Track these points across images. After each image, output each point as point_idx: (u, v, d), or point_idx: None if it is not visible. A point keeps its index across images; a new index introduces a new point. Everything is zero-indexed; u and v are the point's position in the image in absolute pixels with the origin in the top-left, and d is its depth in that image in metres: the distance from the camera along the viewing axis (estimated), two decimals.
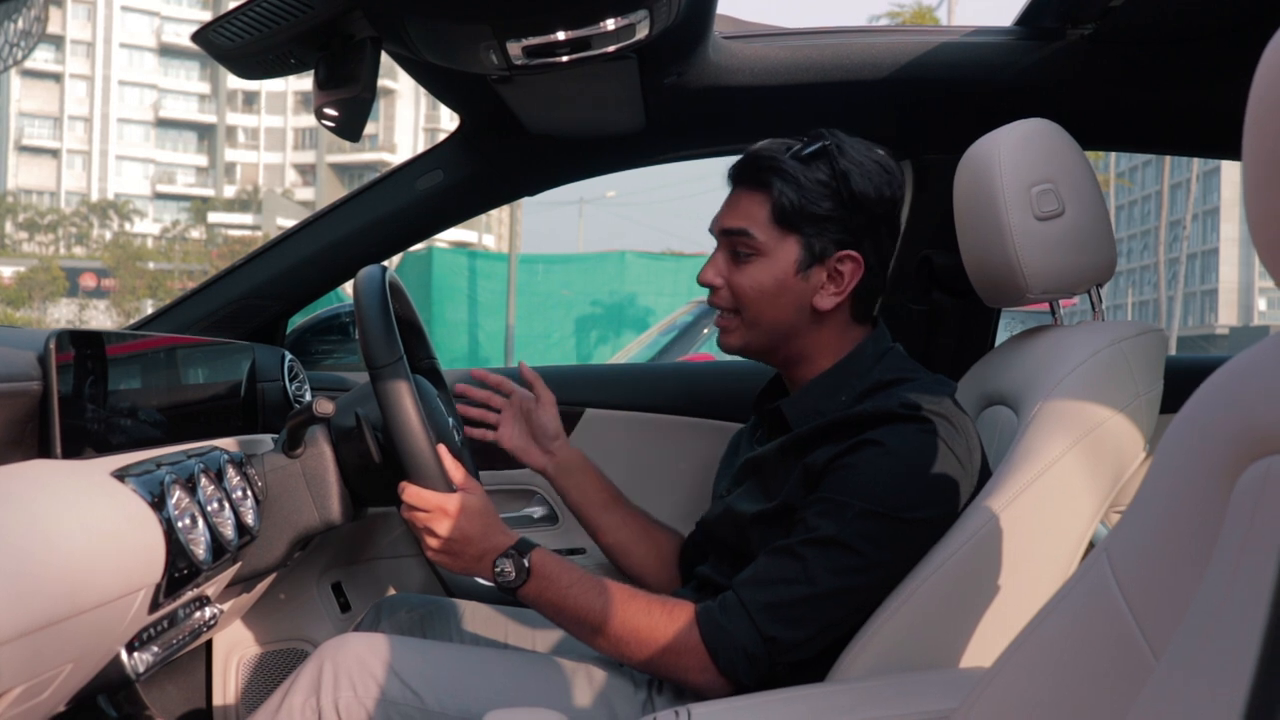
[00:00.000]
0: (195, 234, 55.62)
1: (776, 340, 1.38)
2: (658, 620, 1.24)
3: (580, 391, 2.09)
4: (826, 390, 1.35)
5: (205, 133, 65.07)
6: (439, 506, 1.31)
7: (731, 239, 1.37)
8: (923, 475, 1.21)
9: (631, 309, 12.00)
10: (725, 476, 1.51)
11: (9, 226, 49.32)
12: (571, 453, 1.63)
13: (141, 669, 1.15)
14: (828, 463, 1.24)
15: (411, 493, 1.32)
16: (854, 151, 1.33)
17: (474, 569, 1.32)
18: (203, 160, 65.07)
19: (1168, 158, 24.96)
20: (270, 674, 1.84)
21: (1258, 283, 55.73)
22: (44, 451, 1.08)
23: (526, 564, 1.29)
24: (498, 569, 1.30)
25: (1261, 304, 57.46)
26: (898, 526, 1.20)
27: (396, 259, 10.48)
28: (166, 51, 62.08)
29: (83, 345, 1.15)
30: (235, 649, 1.83)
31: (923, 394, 1.26)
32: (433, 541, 1.32)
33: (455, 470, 1.36)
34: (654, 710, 1.29)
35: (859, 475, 1.21)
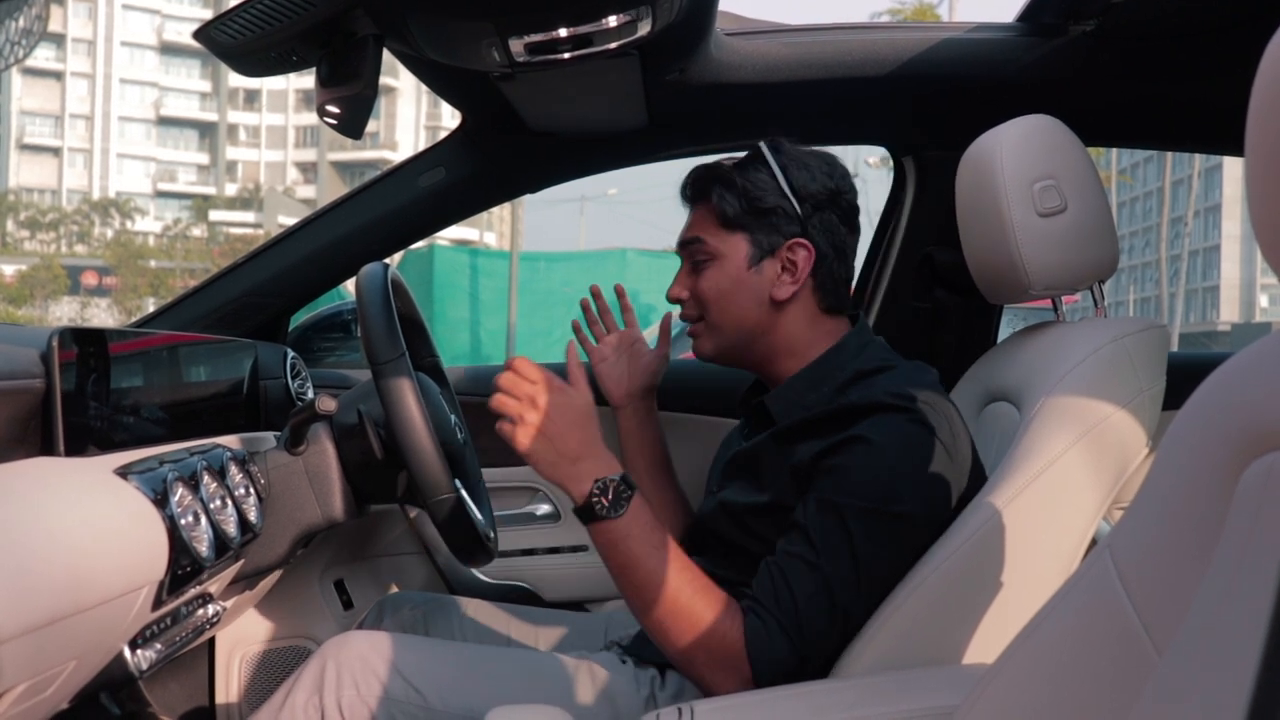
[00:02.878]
0: (197, 232, 55.65)
1: (745, 338, 1.41)
2: (719, 622, 1.18)
3: None
4: (809, 383, 1.36)
5: (206, 131, 65.09)
6: (548, 380, 1.20)
7: (688, 249, 1.45)
8: (912, 467, 1.22)
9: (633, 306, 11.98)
10: (715, 474, 1.51)
11: (10, 225, 49.34)
12: (649, 412, 1.69)
13: (144, 666, 1.15)
14: (815, 460, 1.24)
15: (521, 363, 1.21)
16: (790, 149, 1.41)
17: (567, 473, 1.19)
18: (204, 158, 65.10)
19: (1169, 154, 24.93)
20: (273, 672, 1.84)
21: (1259, 279, 55.70)
22: (47, 449, 1.08)
23: (627, 499, 1.18)
24: (596, 487, 1.18)
25: (1263, 300, 57.41)
26: (895, 521, 1.20)
27: (398, 257, 10.48)
28: (168, 49, 62.09)
29: (85, 343, 1.15)
30: (238, 646, 1.84)
31: (904, 382, 1.27)
32: (530, 417, 1.18)
33: (579, 378, 1.25)
34: (656, 707, 1.29)
35: (853, 475, 1.21)
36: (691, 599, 1.18)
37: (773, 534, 1.25)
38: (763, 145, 1.41)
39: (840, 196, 1.40)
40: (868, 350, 1.37)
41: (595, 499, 1.18)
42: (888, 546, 1.21)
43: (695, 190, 1.44)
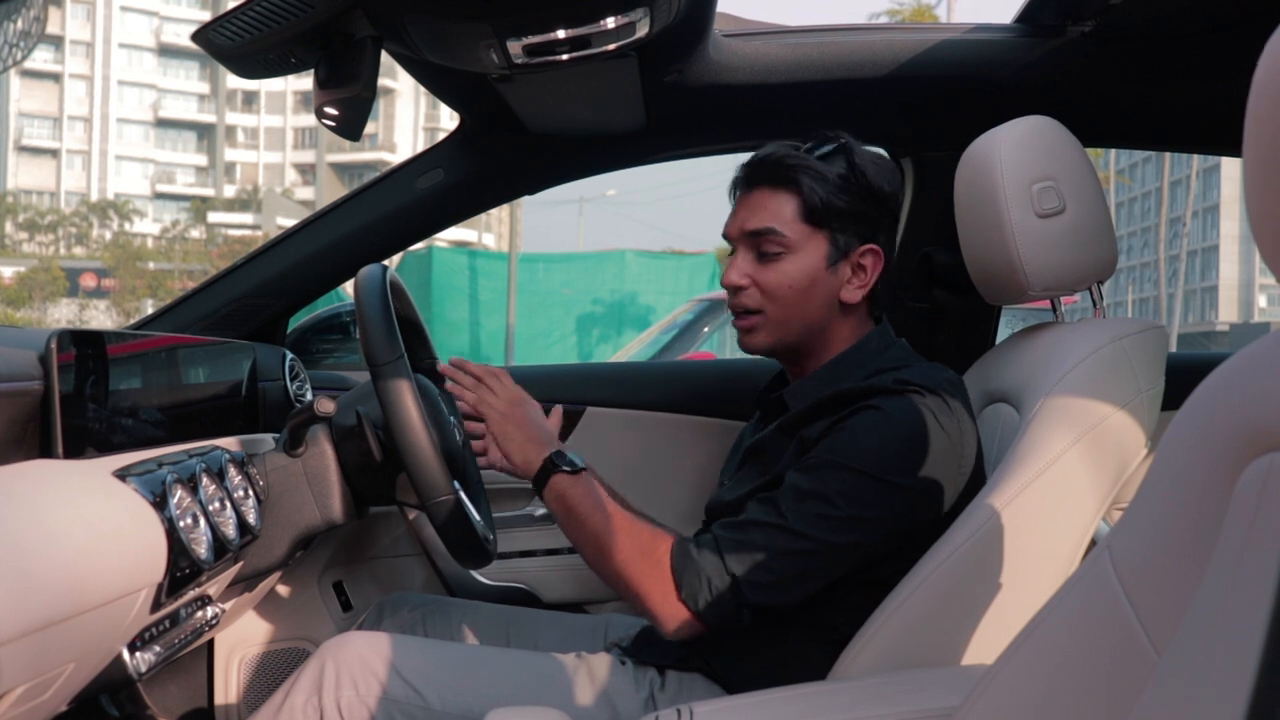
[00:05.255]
0: (195, 234, 55.55)
1: (804, 335, 1.39)
2: (644, 541, 1.27)
3: (581, 390, 2.09)
4: (829, 379, 1.36)
5: (205, 132, 65.04)
6: (491, 373, 1.46)
7: (757, 239, 1.37)
8: (910, 443, 1.22)
9: (632, 307, 11.99)
10: (728, 469, 1.52)
11: (9, 227, 49.29)
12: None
13: (143, 668, 1.15)
14: (821, 433, 1.26)
15: (455, 362, 1.47)
16: (860, 147, 1.38)
17: (529, 446, 1.39)
18: (202, 160, 65.03)
19: (1168, 154, 24.95)
20: (272, 673, 1.84)
21: (1258, 279, 55.71)
22: (45, 451, 1.08)
23: (583, 467, 1.37)
24: (556, 453, 1.37)
25: (1262, 300, 57.43)
26: (877, 487, 1.21)
27: (397, 258, 10.48)
28: (166, 51, 62.04)
29: (84, 345, 1.15)
30: (237, 648, 1.83)
31: (917, 376, 1.28)
32: (495, 404, 1.42)
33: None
34: (656, 708, 1.29)
35: (849, 436, 1.23)
36: (629, 533, 1.28)
37: None
38: (843, 140, 1.37)
39: (898, 200, 1.40)
40: (890, 350, 1.38)
41: (559, 458, 1.35)
42: (870, 508, 1.21)
43: (772, 176, 1.36)
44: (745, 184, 1.41)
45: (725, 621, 1.23)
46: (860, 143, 1.40)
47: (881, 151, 1.42)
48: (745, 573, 1.21)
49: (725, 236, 1.43)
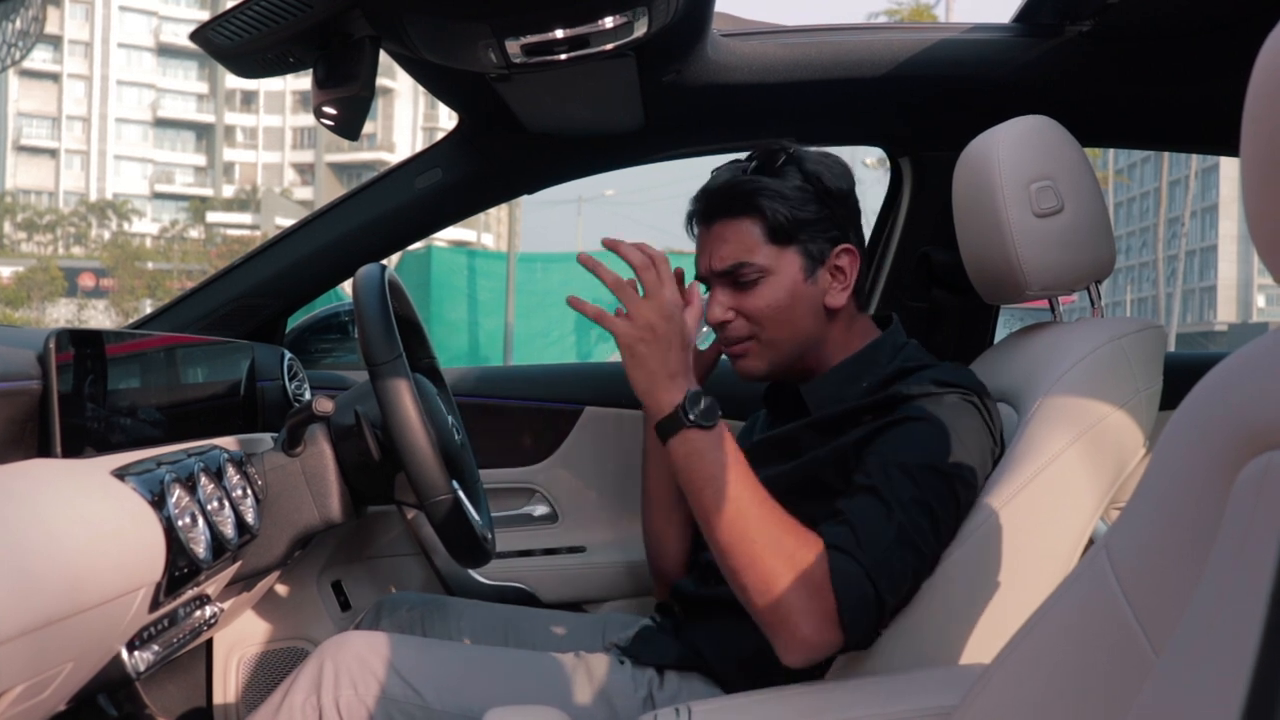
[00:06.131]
0: (194, 234, 55.55)
1: (800, 350, 1.38)
2: (790, 544, 1.12)
3: (580, 390, 2.10)
4: (847, 377, 1.36)
5: (203, 132, 65.01)
6: (655, 277, 1.19)
7: (730, 275, 1.36)
8: (963, 437, 1.21)
9: None
10: None
11: (7, 226, 49.25)
12: None
13: (142, 668, 1.15)
14: (868, 438, 1.23)
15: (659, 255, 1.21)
16: (805, 152, 1.38)
17: (660, 379, 1.17)
18: (201, 160, 64.99)
19: (1166, 154, 24.97)
20: (271, 673, 1.84)
21: (1256, 279, 55.75)
22: (44, 451, 1.08)
23: (718, 416, 1.16)
24: (690, 396, 1.15)
25: (1260, 300, 57.46)
26: (953, 480, 1.19)
27: (395, 258, 10.45)
28: (165, 51, 62.01)
29: (82, 344, 1.15)
30: (235, 648, 1.83)
31: (950, 375, 1.28)
32: (638, 313, 1.18)
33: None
34: (654, 707, 1.29)
35: (912, 437, 1.20)
36: (774, 524, 1.12)
37: (803, 508, 1.18)
38: (789, 150, 1.37)
39: (854, 195, 1.41)
40: (906, 350, 1.39)
41: (690, 405, 1.14)
42: (947, 501, 1.19)
43: (730, 207, 1.36)
44: (704, 218, 1.40)
45: (863, 646, 1.17)
46: (841, 144, 1.41)
47: (828, 150, 1.42)
48: (891, 594, 1.13)
49: (699, 278, 1.41)
